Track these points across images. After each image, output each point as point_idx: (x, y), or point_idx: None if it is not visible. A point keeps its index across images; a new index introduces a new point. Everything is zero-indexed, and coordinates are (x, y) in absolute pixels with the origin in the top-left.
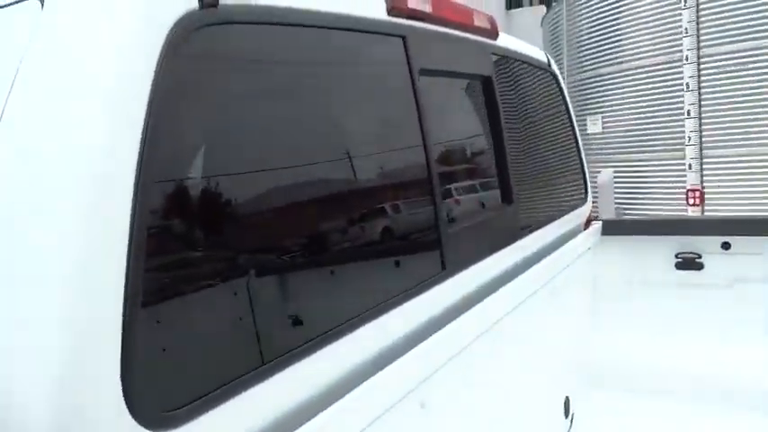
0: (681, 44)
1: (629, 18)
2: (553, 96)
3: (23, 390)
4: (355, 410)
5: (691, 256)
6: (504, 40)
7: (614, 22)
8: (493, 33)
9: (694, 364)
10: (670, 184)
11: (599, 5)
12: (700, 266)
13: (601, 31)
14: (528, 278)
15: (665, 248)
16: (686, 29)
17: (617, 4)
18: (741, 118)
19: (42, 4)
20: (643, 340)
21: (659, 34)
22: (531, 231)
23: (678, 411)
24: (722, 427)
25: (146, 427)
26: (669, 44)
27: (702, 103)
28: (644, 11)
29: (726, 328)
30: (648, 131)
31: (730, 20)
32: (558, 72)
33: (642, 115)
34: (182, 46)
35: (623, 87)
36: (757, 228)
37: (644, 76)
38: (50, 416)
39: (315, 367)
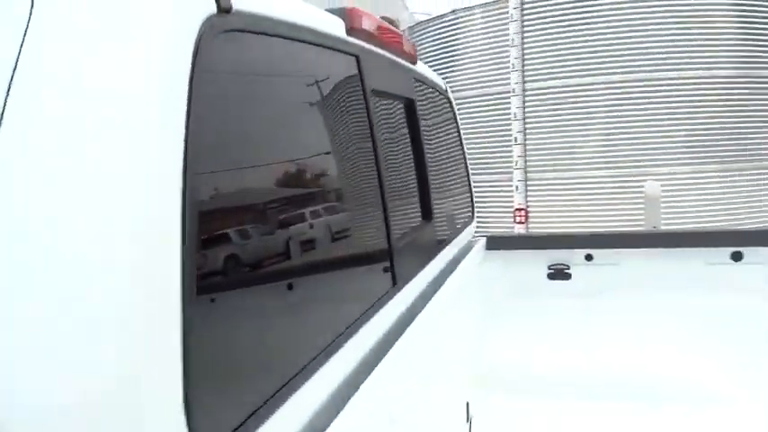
0: (509, 78)
1: (464, 51)
2: (449, 120)
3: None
4: None
5: (560, 267)
6: (420, 66)
7: (451, 54)
8: (414, 58)
9: (574, 365)
10: (501, 204)
11: (438, 37)
12: (568, 276)
13: (440, 62)
14: (444, 292)
15: (539, 261)
16: (513, 65)
17: (453, 39)
18: (560, 145)
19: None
20: (527, 346)
21: (490, 68)
22: (443, 247)
23: (564, 408)
24: (605, 416)
25: None
26: (499, 78)
27: (527, 131)
28: (477, 46)
29: (595, 332)
30: (483, 155)
31: (551, 59)
32: (452, 98)
33: (477, 140)
34: (205, 51)
35: (460, 114)
36: (614, 241)
37: (478, 104)
38: None
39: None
